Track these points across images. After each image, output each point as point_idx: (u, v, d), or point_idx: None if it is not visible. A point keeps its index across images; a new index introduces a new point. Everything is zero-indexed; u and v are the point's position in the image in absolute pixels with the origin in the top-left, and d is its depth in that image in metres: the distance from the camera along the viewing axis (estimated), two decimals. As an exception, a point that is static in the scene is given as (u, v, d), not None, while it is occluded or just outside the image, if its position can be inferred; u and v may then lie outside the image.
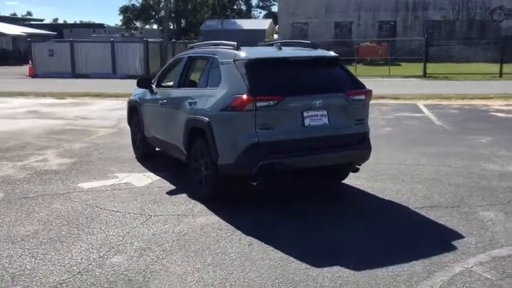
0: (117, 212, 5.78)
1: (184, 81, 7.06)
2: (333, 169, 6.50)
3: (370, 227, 5.37)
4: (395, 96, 17.38)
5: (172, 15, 47.81)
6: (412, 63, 28.15)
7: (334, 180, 6.87)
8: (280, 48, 6.40)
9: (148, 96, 7.88)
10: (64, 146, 9.56)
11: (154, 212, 5.77)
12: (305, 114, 5.66)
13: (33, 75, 27.70)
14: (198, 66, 7.14)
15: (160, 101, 7.37)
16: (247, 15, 57.46)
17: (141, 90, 8.23)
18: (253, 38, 41.10)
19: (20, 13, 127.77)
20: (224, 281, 4.10)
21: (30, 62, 28.76)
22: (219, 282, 4.07)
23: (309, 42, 6.82)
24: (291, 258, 4.49)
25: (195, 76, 7.22)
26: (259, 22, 50.97)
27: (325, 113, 5.77)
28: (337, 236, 5.08)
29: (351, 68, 27.29)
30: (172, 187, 6.77)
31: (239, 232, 5.15)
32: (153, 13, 48.77)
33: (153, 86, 7.83)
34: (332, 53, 6.40)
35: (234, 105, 5.54)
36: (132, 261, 4.47)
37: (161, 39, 42.11)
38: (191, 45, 8.00)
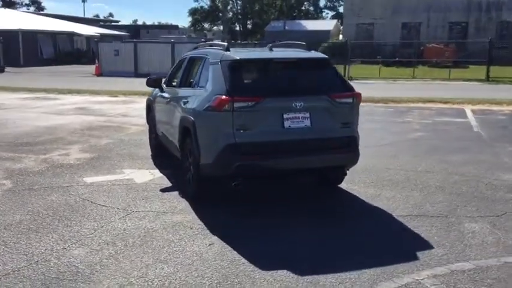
0: (103, 206, 6.00)
1: (185, 81, 7.20)
2: (327, 173, 6.42)
3: (339, 232, 5.28)
4: (445, 100, 16.73)
5: (239, 16, 48.49)
6: (480, 65, 26.93)
7: (331, 185, 6.76)
8: (271, 49, 6.39)
9: (159, 94, 8.11)
10: (91, 141, 9.99)
11: (138, 208, 5.95)
12: (285, 116, 5.63)
13: (99, 74, 29.00)
14: (195, 66, 7.26)
15: (166, 100, 7.57)
16: (314, 16, 57.15)
17: (157, 89, 8.46)
18: (317, 39, 40.86)
19: (103, 15, 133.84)
20: (166, 278, 4.18)
21: (96, 61, 30.16)
22: (160, 280, 4.15)
23: (303, 43, 6.75)
24: (243, 260, 4.50)
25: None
26: (323, 23, 50.49)
27: (307, 115, 5.70)
28: (300, 241, 5.01)
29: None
30: (169, 185, 6.93)
31: (207, 232, 5.21)
32: (220, 14, 49.65)
33: (164, 85, 8.05)
34: (322, 55, 6.32)
35: (213, 105, 5.61)
36: (90, 254, 4.64)
37: (226, 40, 42.78)
38: (196, 45, 8.13)
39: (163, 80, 8.25)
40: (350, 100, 5.94)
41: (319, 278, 4.17)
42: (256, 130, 5.58)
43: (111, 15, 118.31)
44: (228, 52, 6.08)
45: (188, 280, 4.15)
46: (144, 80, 8.71)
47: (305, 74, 6.14)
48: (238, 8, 47.25)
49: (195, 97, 6.17)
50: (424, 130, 11.45)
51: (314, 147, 5.79)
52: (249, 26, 51.42)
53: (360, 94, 6.05)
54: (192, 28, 54.99)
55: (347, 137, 5.94)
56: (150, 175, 7.44)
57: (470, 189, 6.70)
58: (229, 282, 4.11)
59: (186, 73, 7.24)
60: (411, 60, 28.94)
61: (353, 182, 6.98)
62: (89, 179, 7.20)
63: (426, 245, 4.87)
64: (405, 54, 32.13)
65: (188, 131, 6.12)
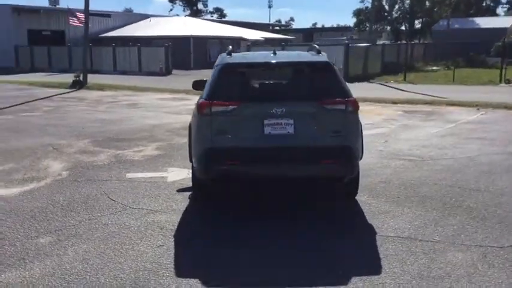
0: (112, 201, 6.45)
1: None
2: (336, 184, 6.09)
3: (308, 247, 4.98)
4: None
5: (407, 15, 46.52)
6: None
7: (346, 197, 6.35)
8: (275, 53, 6.22)
9: None
10: (174, 140, 10.61)
11: (138, 205, 6.28)
12: (266, 122, 5.48)
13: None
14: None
15: None
16: (494, 12, 52.08)
17: None
18: (490, 37, 37.46)
19: (284, 19, 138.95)
20: (83, 272, 4.41)
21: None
22: (76, 271, 4.41)
23: (314, 46, 6.43)
24: (168, 266, 4.53)
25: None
26: (500, 20, 45.79)
27: (290, 121, 5.48)
28: (259, 256, 4.81)
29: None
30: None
31: (173, 233, 5.33)
32: (385, 14, 48.18)
33: None
34: (322, 59, 5.97)
35: (196, 109, 5.70)
36: (47, 243, 5.05)
37: (392, 41, 41.59)
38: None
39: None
40: (342, 107, 5.53)
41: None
42: (235, 135, 5.53)
43: (292, 19, 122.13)
44: (228, 56, 6.10)
45: (102, 276, 4.33)
46: None
47: (296, 79, 5.90)
48: (406, 6, 45.34)
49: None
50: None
51: (297, 155, 5.52)
52: (418, 26, 49.16)
53: (354, 101, 5.60)
54: (356, 29, 54.33)
55: (338, 147, 5.54)
56: (186, 175, 7.71)
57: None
58: (136, 286, 4.19)
59: None
60: None
61: (376, 195, 6.49)
62: (130, 175, 7.75)
63: (373, 271, 4.37)
64: None
65: None
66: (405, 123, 12.76)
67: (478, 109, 14.92)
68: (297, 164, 5.52)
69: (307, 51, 6.87)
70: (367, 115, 14.16)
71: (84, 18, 24.53)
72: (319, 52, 6.23)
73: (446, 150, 9.28)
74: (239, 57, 6.27)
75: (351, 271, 4.37)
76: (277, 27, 78.17)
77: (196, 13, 77.28)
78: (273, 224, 5.57)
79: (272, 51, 6.27)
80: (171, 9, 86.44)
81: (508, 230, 5.31)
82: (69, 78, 24.65)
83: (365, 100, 17.48)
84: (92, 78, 25.35)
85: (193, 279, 4.24)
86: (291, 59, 6.20)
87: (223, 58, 6.08)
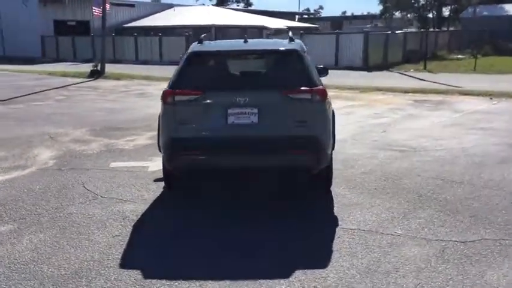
0: (87, 190, 6.45)
1: None
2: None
3: (256, 236, 4.90)
4: None
5: (435, 2, 45.31)
6: None
7: (319, 189, 6.21)
8: (246, 41, 6.10)
9: None
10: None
11: (110, 194, 6.27)
12: (229, 111, 5.38)
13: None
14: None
15: None
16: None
17: None
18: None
19: (314, 7, 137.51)
20: (30, 261, 4.42)
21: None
22: (24, 260, 4.42)
23: (288, 34, 6.26)
24: (116, 257, 4.50)
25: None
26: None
27: (255, 111, 5.36)
28: (206, 249, 4.78)
29: None
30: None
31: (133, 223, 5.29)
32: (412, 1, 47.05)
33: None
34: (290, 47, 5.81)
35: (161, 98, 5.64)
36: (6, 231, 5.09)
37: (418, 29, 40.69)
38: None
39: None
40: (308, 96, 5.38)
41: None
42: (198, 125, 5.46)
43: (320, 7, 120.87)
44: (199, 44, 6.01)
45: (48, 262, 4.33)
46: None
47: (263, 67, 5.76)
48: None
49: None
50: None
51: (261, 145, 5.40)
52: (446, 13, 47.87)
53: (322, 90, 5.44)
54: (383, 17, 53.24)
55: (304, 137, 5.40)
56: (169, 164, 7.69)
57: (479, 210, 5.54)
58: (77, 274, 4.18)
59: None
60: None
61: (353, 187, 6.35)
62: (114, 164, 7.76)
63: (321, 264, 4.26)
64: None
65: None
66: (411, 112, 12.46)
67: (491, 99, 14.46)
68: (261, 154, 5.41)
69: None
70: (375, 104, 13.95)
71: (102, 8, 24.66)
72: (291, 40, 6.07)
73: (442, 141, 9.01)
74: (209, 45, 6.17)
75: (298, 264, 4.26)
76: (306, 16, 77.50)
77: (222, 2, 77.19)
78: (237, 215, 5.49)
79: (243, 40, 6.15)
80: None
81: (478, 224, 5.10)
82: (89, 68, 24.91)
83: (377, 89, 17.24)
84: (111, 68, 25.56)
85: (135, 270, 4.20)
86: (259, 47, 6.08)
87: (192, 46, 6.00)
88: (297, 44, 6.00)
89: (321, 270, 4.17)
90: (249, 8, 75.50)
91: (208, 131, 5.43)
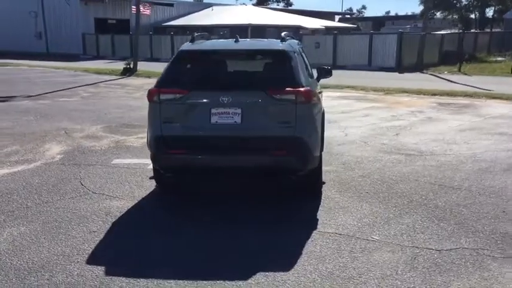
0: (81, 185, 6.58)
1: None
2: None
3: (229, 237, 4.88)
4: None
5: (478, 3, 44.06)
6: None
7: (308, 191, 6.10)
8: (236, 41, 6.07)
9: None
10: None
11: (102, 190, 6.37)
12: (213, 111, 5.38)
13: (300, 65, 29.86)
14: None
15: None
16: None
17: None
18: None
19: (356, 7, 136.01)
20: (3, 253, 4.53)
21: (299, 52, 31.09)
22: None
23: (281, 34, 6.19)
24: (86, 252, 4.56)
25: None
26: None
27: (238, 111, 5.35)
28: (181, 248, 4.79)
29: None
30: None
31: (114, 220, 5.35)
32: (454, 1, 45.86)
33: None
34: (277, 47, 5.76)
35: (147, 96, 5.69)
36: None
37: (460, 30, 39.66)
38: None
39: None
40: (292, 97, 5.32)
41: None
42: (182, 124, 5.48)
43: (363, 7, 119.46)
44: (190, 43, 6.04)
45: (19, 255, 4.44)
46: (340, 71, 8.59)
47: (250, 68, 5.73)
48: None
49: None
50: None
51: (244, 145, 5.38)
52: (489, 14, 46.52)
53: (306, 91, 5.36)
54: (424, 16, 51.99)
55: (287, 138, 5.34)
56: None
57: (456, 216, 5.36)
58: (45, 270, 4.25)
59: None
60: None
61: (345, 190, 6.27)
62: (117, 161, 7.88)
63: (285, 267, 4.21)
64: None
65: None
66: (431, 115, 12.16)
67: (520, 103, 13.96)
68: (243, 154, 5.38)
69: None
70: (396, 106, 13.70)
71: (135, 7, 25.11)
72: (283, 40, 6.02)
73: (453, 146, 8.76)
74: (199, 45, 6.18)
75: (262, 266, 4.22)
76: (348, 16, 76.98)
77: (262, 2, 77.27)
78: (218, 215, 5.48)
79: (234, 39, 6.14)
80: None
81: (461, 232, 4.94)
82: (123, 65, 25.40)
83: (404, 91, 16.92)
84: (145, 66, 25.98)
85: (99, 267, 4.24)
86: (247, 47, 6.04)
87: (184, 45, 6.02)
88: (288, 44, 5.94)
89: (283, 273, 4.11)
90: (289, 7, 75.25)
91: (192, 130, 5.45)
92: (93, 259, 4.41)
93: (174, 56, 5.79)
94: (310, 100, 5.41)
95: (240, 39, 6.07)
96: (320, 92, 7.26)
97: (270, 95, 5.30)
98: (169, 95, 5.44)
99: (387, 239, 4.79)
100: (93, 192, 6.29)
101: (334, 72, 7.94)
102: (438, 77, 22.80)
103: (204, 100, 5.43)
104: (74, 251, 4.58)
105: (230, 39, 6.44)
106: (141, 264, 4.34)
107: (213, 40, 6.74)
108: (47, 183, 6.66)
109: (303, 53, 6.55)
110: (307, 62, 6.72)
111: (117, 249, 4.68)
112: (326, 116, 7.06)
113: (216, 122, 5.37)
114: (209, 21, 42.58)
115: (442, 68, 25.78)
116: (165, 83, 5.52)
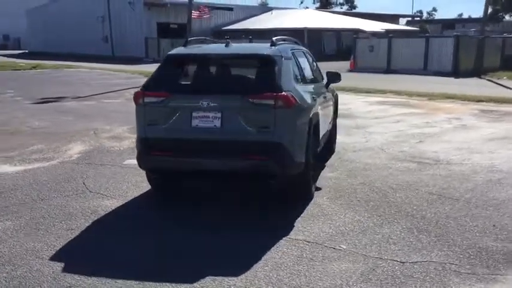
0: (82, 184, 6.82)
1: None
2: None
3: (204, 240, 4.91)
4: None
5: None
6: None
7: (295, 198, 6.02)
8: (226, 45, 6.10)
9: None
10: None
11: (99, 189, 6.56)
12: (194, 114, 5.44)
13: (353, 69, 29.43)
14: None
15: None
16: None
17: None
18: None
19: (427, 9, 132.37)
20: (-18, 245, 4.79)
21: (352, 56, 30.66)
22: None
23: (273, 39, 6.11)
24: (55, 248, 4.71)
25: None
26: None
27: (218, 115, 5.38)
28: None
29: None
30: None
31: (94, 219, 5.50)
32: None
33: None
34: (264, 52, 5.72)
35: (133, 99, 5.82)
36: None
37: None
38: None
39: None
40: (270, 102, 5.28)
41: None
42: (165, 127, 5.56)
43: (434, 9, 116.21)
44: (182, 47, 6.14)
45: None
46: (392, 75, 8.26)
47: (229, 72, 5.73)
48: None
49: None
50: None
51: (223, 149, 5.40)
52: None
53: (285, 96, 5.29)
54: (486, 19, 49.81)
55: (265, 143, 5.31)
56: (176, 164, 7.88)
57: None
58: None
59: None
60: None
61: (338, 197, 6.17)
62: (128, 161, 8.08)
63: (236, 273, 4.18)
64: None
65: None
66: (466, 123, 11.67)
67: None
68: (222, 158, 5.40)
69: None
70: (434, 113, 13.27)
71: (188, 12, 25.66)
72: (273, 44, 5.98)
73: (475, 155, 8.38)
74: (190, 49, 6.24)
75: (215, 271, 4.21)
76: (418, 18, 75.31)
77: (326, 5, 76.76)
78: (197, 219, 5.51)
79: (225, 43, 6.17)
80: (301, 2, 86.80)
81: (436, 245, 4.73)
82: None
83: (448, 97, 16.36)
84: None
85: (60, 264, 4.37)
86: (234, 52, 6.04)
87: (173, 49, 6.12)
88: (277, 49, 5.88)
89: (232, 278, 4.09)
90: (353, 10, 74.31)
91: (174, 133, 5.53)
92: (58, 256, 4.56)
93: (164, 60, 5.90)
94: (291, 105, 5.34)
95: (231, 44, 6.10)
96: (325, 97, 7.17)
97: (249, 99, 5.28)
98: (152, 97, 5.55)
99: (354, 249, 4.65)
100: (90, 191, 6.50)
101: (385, 76, 7.86)
102: (495, 82, 21.83)
103: (186, 103, 5.49)
104: (44, 247, 4.75)
105: (220, 44, 6.48)
106: (99, 263, 4.43)
107: (206, 45, 6.79)
108: (52, 181, 6.93)
109: (298, 58, 6.48)
110: (305, 66, 6.65)
111: (84, 247, 4.82)
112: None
113: (197, 125, 5.42)
114: (266, 25, 42.79)
115: (502, 73, 24.64)
116: (150, 86, 5.63)
